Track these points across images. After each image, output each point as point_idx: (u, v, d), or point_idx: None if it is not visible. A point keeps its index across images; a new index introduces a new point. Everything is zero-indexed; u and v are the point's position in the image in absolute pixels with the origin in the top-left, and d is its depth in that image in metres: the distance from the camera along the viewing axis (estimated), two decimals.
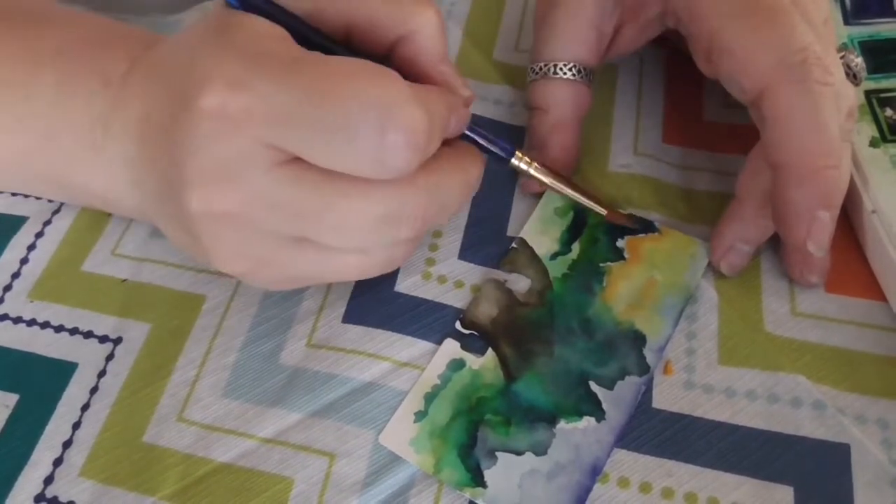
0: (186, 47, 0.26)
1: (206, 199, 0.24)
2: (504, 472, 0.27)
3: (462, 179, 0.27)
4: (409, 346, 0.30)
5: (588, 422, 0.28)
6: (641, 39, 0.34)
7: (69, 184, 0.31)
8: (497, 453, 0.27)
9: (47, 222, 0.35)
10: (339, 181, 0.24)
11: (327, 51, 0.25)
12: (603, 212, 0.31)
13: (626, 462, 0.27)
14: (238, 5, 0.25)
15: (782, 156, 0.28)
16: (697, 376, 0.29)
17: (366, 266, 0.27)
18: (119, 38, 0.30)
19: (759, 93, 0.28)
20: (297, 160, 0.24)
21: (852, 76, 0.31)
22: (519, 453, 0.27)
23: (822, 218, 0.28)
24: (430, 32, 0.27)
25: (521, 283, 0.32)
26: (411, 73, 0.27)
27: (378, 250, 0.26)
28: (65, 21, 0.31)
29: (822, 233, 0.28)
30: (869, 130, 0.32)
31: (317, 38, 0.26)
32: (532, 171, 0.30)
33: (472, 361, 0.30)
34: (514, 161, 0.29)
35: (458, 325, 0.30)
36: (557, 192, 0.31)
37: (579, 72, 0.33)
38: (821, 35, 0.29)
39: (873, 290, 0.31)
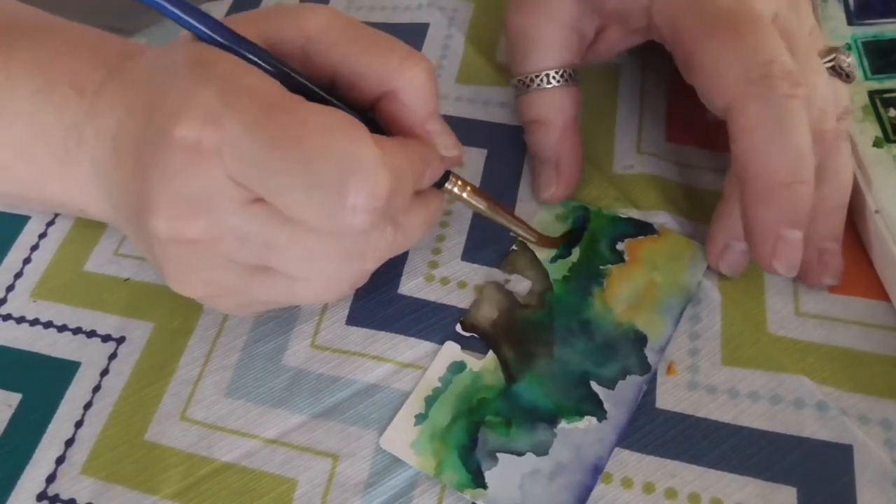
0: (162, 69, 0.26)
1: (174, 228, 0.24)
2: (505, 472, 0.27)
3: (425, 217, 0.28)
4: (412, 347, 0.30)
5: (589, 421, 0.28)
6: (624, 43, 0.33)
7: (41, 195, 0.31)
8: (498, 454, 0.27)
9: (50, 222, 0.35)
10: None
11: (310, 94, 0.25)
12: (533, 239, 0.32)
13: (630, 462, 0.27)
14: (226, 44, 0.24)
15: (747, 171, 0.27)
16: (701, 377, 0.29)
17: (329, 291, 0.27)
18: (96, 46, 0.30)
19: (726, 108, 0.27)
20: None
21: (844, 76, 0.31)
22: (520, 454, 0.27)
23: (788, 237, 0.27)
24: (417, 90, 0.26)
25: (521, 285, 0.32)
26: (396, 127, 0.27)
27: (342, 279, 0.27)
28: (42, 29, 0.31)
29: (789, 252, 0.27)
30: (872, 130, 0.32)
31: (301, 83, 0.25)
32: (465, 196, 0.29)
33: (473, 363, 0.30)
34: (447, 185, 0.29)
35: (458, 328, 0.30)
36: (489, 218, 0.31)
37: (569, 76, 0.32)
38: (801, 45, 0.28)
39: (877, 290, 0.31)
